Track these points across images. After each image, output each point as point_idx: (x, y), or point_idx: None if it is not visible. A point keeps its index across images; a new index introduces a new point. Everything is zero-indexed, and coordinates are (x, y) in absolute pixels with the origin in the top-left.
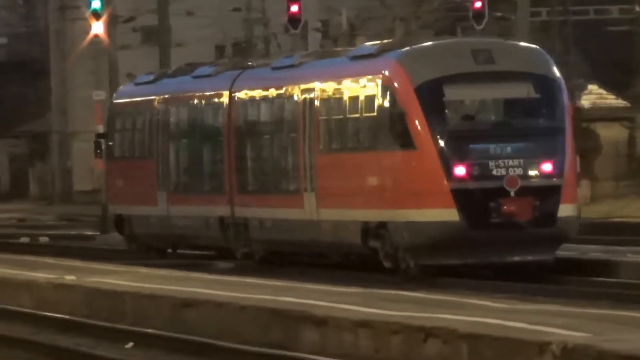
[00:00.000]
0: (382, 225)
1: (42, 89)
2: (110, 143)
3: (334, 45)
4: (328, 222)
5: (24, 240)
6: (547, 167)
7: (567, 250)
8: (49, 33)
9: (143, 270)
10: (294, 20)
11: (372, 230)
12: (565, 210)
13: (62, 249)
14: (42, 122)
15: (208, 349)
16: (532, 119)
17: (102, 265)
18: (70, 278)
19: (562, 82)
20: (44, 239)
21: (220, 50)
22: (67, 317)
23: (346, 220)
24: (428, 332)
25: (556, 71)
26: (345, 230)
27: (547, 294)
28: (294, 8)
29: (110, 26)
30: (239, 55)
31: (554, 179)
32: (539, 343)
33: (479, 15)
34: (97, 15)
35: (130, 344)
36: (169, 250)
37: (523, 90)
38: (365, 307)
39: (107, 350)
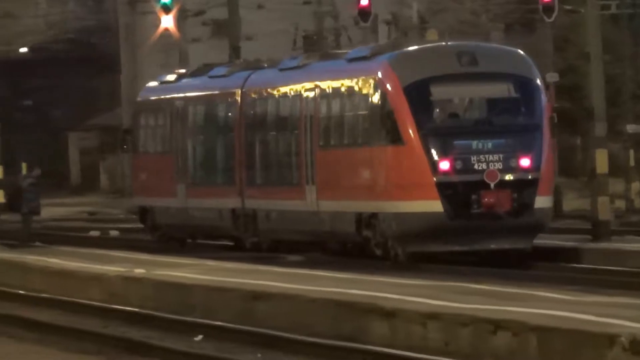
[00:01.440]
0: (374, 215)
1: (112, 82)
2: (135, 138)
3: (405, 39)
4: (326, 213)
5: (94, 233)
6: (525, 161)
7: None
8: (119, 26)
9: (212, 263)
10: (364, 13)
11: (365, 220)
12: (541, 201)
13: (131, 242)
14: (112, 115)
15: (278, 341)
16: (512, 117)
17: (171, 259)
18: (139, 271)
19: (541, 83)
20: (114, 233)
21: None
22: (136, 309)
23: (342, 211)
24: (497, 325)
25: (535, 72)
26: (342, 220)
27: (613, 286)
28: (364, 1)
29: (180, 19)
30: (310, 48)
31: (531, 173)
32: (609, 335)
33: (548, 8)
34: (166, 8)
35: (200, 337)
36: (189, 240)
37: (504, 90)
38: (435, 300)
39: (176, 342)
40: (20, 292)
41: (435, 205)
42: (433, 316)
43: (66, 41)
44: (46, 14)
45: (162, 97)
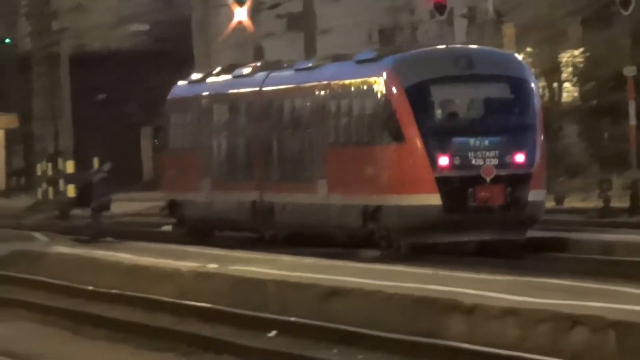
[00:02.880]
0: (378, 209)
1: (185, 76)
2: (165, 135)
3: (480, 33)
4: (336, 207)
5: (166, 228)
6: (519, 158)
7: None
8: (192, 20)
9: (287, 258)
10: (440, 6)
11: (370, 214)
12: (534, 195)
13: (204, 237)
14: None
15: (354, 337)
16: (507, 116)
17: (245, 254)
18: (212, 266)
19: (535, 84)
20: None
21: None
22: (209, 306)
23: (350, 204)
24: (576, 320)
25: (530, 75)
26: (349, 213)
27: None
28: None
29: (255, 13)
30: (385, 42)
31: (525, 169)
32: None
33: (625, 1)
34: (240, 1)
35: (274, 333)
36: (216, 233)
37: (499, 91)
38: (513, 295)
39: (250, 339)
40: (91, 288)
41: (434, 199)
42: (511, 312)
43: (139, 35)
44: (117, 8)
45: (190, 95)
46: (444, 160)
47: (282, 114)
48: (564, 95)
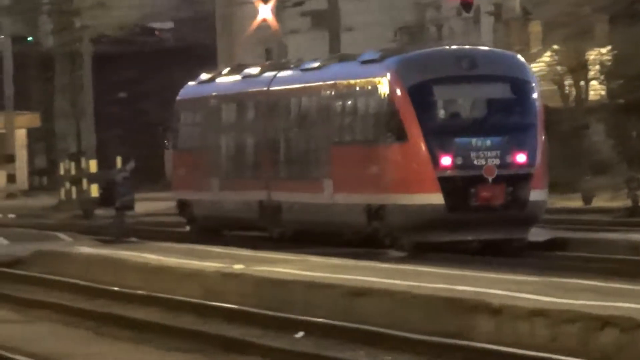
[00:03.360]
0: (382, 208)
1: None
2: (174, 135)
3: (506, 30)
4: (341, 205)
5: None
6: (520, 158)
7: None
8: (216, 17)
9: (312, 258)
10: (466, 4)
11: (374, 213)
12: (535, 195)
13: (234, 237)
14: None
15: (381, 338)
16: (509, 117)
17: (270, 254)
18: (238, 267)
19: (536, 84)
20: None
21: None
22: (235, 306)
23: (355, 203)
24: (605, 321)
25: (531, 75)
26: (354, 212)
27: None
28: None
29: (279, 10)
30: (411, 39)
31: (526, 168)
32: None
33: None
34: None
35: (301, 334)
36: (226, 232)
37: (501, 92)
38: (541, 296)
39: (277, 340)
40: (115, 288)
41: (437, 198)
42: (540, 313)
43: (161, 32)
44: (140, 5)
45: (199, 96)
46: (446, 160)
47: (288, 114)
48: (591, 93)
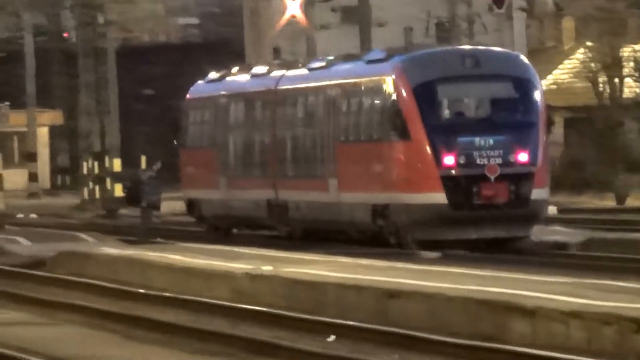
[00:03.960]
0: (386, 206)
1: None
2: (184, 134)
3: (539, 26)
4: (347, 204)
5: None
6: (522, 156)
7: None
8: (243, 12)
9: (344, 260)
10: (497, 0)
11: (379, 211)
12: (537, 193)
13: (258, 238)
14: None
15: (415, 341)
16: (512, 116)
17: (300, 255)
18: (267, 268)
19: (538, 83)
20: None
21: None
22: (265, 309)
23: (360, 202)
24: None
25: (534, 74)
26: (359, 211)
27: None
28: None
29: (308, 5)
30: (442, 35)
31: (528, 167)
32: None
33: None
34: None
35: (333, 337)
36: (235, 230)
37: (504, 91)
38: (576, 298)
39: (308, 343)
40: (141, 290)
41: (440, 197)
42: (575, 314)
43: (188, 27)
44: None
45: (207, 94)
46: (449, 159)
47: (295, 113)
48: (625, 90)
